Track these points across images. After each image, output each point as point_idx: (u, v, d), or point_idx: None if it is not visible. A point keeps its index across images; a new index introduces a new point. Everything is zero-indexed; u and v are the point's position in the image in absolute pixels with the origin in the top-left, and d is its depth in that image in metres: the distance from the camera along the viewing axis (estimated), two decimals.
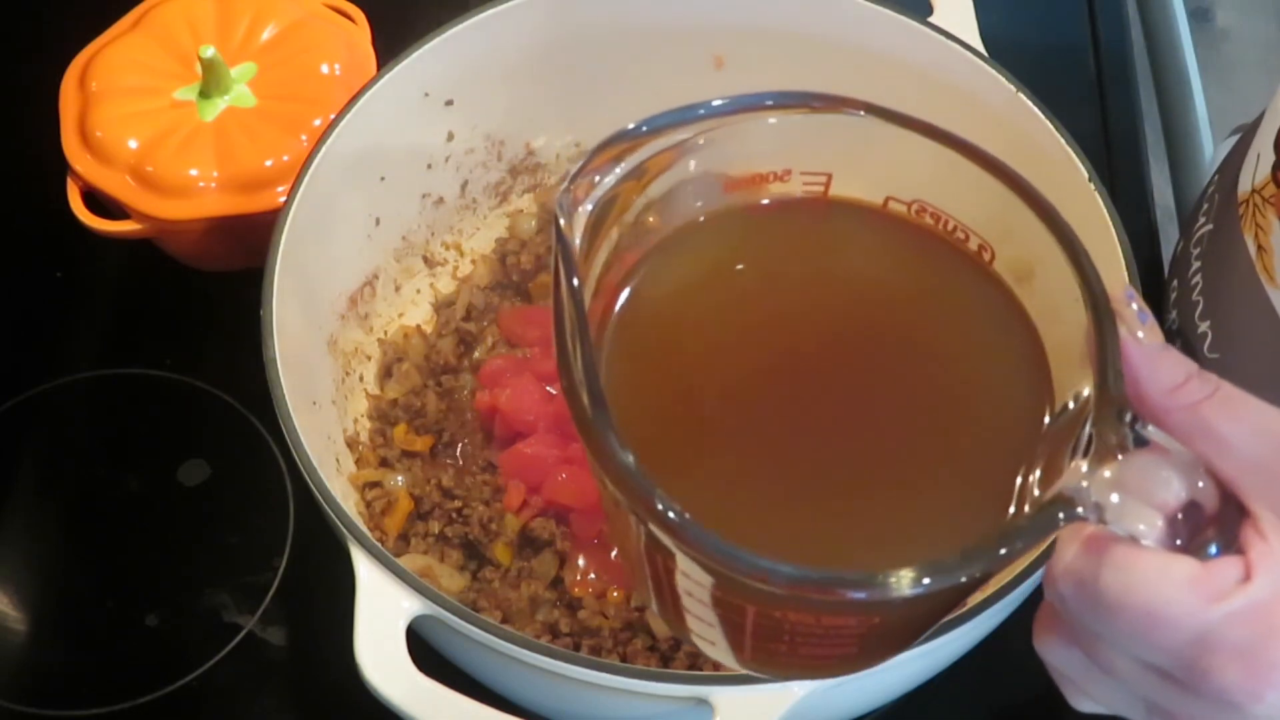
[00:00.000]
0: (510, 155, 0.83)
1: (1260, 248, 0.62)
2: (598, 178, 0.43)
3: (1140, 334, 0.40)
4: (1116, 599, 0.38)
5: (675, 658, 0.67)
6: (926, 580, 0.37)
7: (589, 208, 0.42)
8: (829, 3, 0.77)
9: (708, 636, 0.45)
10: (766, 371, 0.45)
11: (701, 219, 0.46)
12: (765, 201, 0.47)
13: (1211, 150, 0.95)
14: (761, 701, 0.56)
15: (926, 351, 0.45)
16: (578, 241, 0.42)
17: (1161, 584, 0.37)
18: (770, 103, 0.45)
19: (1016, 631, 0.64)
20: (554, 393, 0.73)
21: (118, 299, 0.87)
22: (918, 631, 0.46)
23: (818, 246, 0.47)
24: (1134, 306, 0.40)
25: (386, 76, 0.73)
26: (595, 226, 0.43)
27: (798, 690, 0.56)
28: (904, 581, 0.37)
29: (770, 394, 0.45)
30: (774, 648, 0.43)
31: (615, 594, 0.69)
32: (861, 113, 0.44)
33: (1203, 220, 0.70)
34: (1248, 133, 0.68)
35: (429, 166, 0.80)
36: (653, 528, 0.39)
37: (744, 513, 0.42)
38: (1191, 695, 0.39)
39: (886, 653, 0.46)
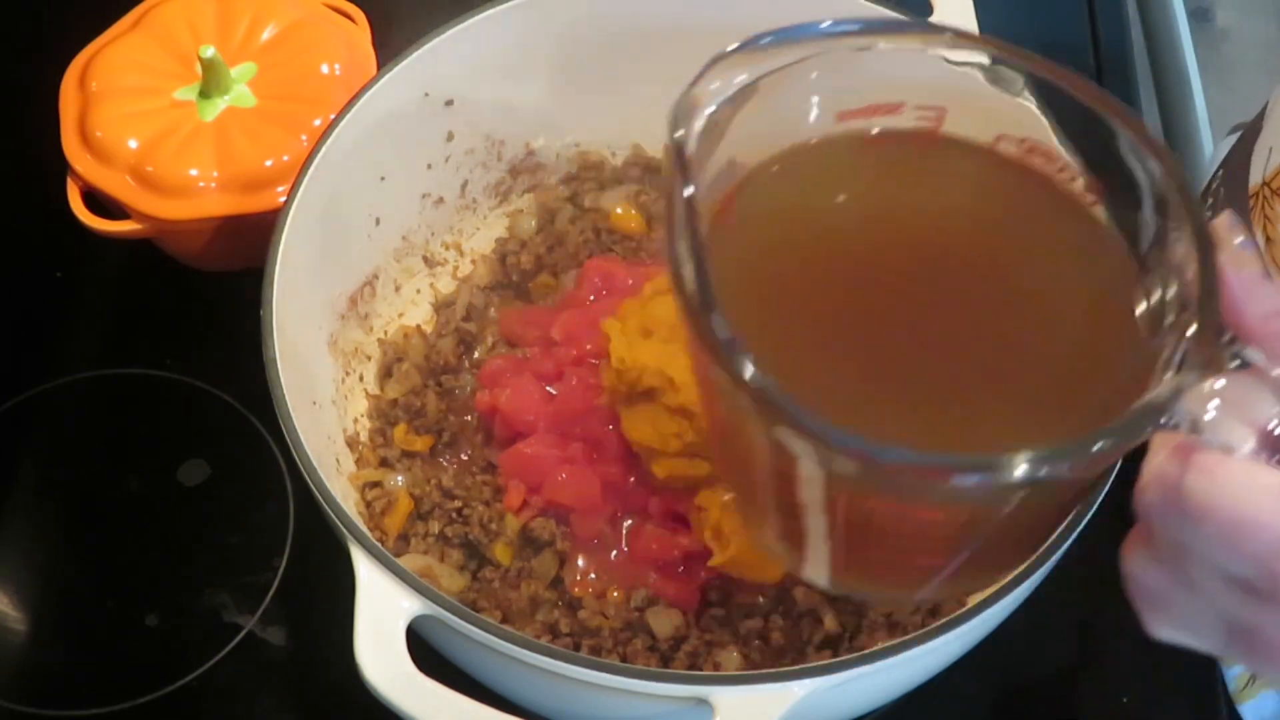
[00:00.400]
0: (510, 155, 0.83)
1: (1269, 239, 0.62)
2: (715, 85, 0.44)
3: (1240, 263, 0.41)
4: (1202, 503, 0.38)
5: (675, 658, 0.67)
6: (1023, 465, 0.38)
7: (710, 110, 0.44)
8: (829, 3, 0.76)
9: (801, 546, 0.46)
10: (869, 283, 0.46)
11: (812, 143, 0.47)
12: (876, 131, 0.48)
13: (1211, 150, 0.95)
14: (761, 701, 0.56)
15: (1025, 274, 0.46)
16: (692, 147, 0.43)
17: (1248, 490, 0.38)
18: (886, 28, 0.46)
19: (1016, 632, 0.64)
20: (554, 392, 0.73)
21: (118, 299, 0.87)
22: (1000, 548, 0.47)
23: (924, 175, 0.49)
24: (1236, 237, 0.41)
25: (386, 76, 0.73)
26: (704, 140, 0.44)
27: (798, 690, 0.56)
28: (1004, 464, 0.38)
29: (872, 305, 0.46)
30: (865, 554, 0.45)
31: (615, 594, 0.69)
32: (978, 48, 0.45)
33: (1207, 215, 0.70)
34: (1251, 128, 0.68)
35: (429, 166, 0.80)
36: (746, 400, 0.40)
37: (847, 406, 0.42)
38: (1275, 607, 0.39)
39: (972, 574, 0.47)
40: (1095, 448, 0.38)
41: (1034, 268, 0.47)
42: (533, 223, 0.83)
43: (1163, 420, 0.38)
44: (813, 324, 0.46)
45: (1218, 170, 0.72)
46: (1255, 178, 0.65)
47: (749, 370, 0.39)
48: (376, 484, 0.73)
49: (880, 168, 0.48)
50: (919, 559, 0.46)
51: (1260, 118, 0.67)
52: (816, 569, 0.48)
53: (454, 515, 0.72)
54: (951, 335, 0.45)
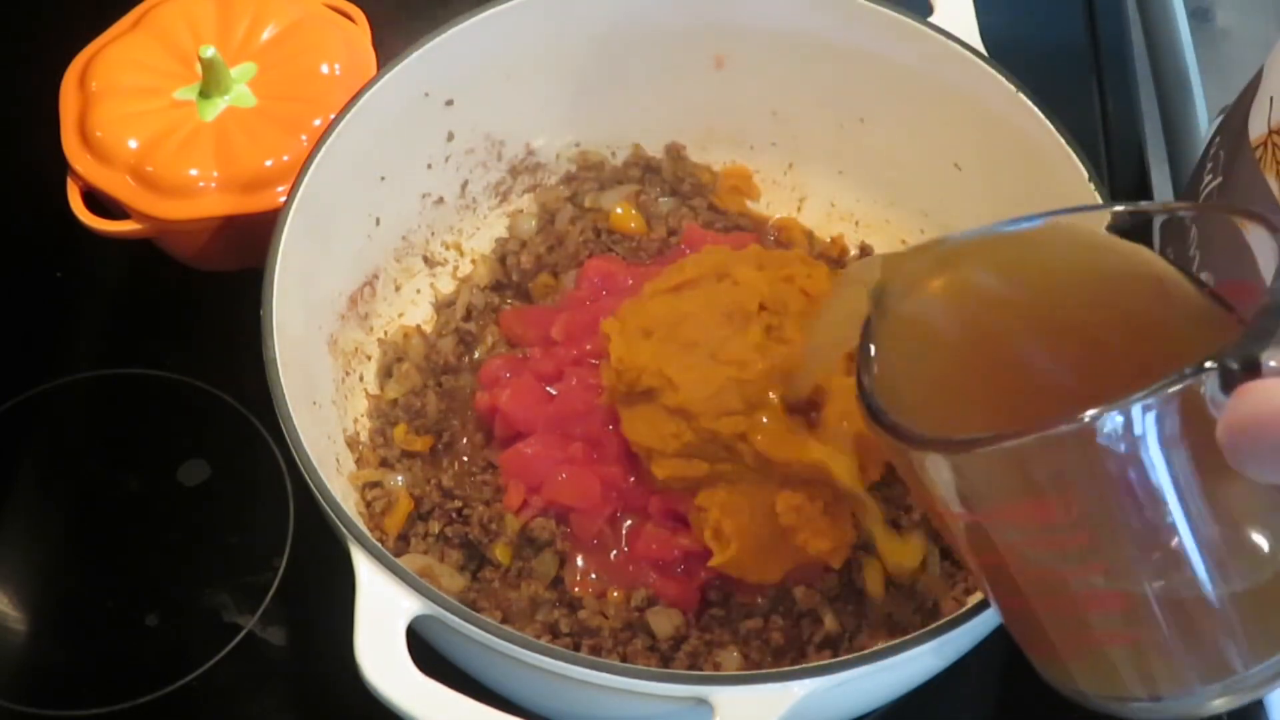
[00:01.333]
0: (510, 155, 0.83)
1: None
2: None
3: None
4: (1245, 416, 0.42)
5: (675, 658, 0.67)
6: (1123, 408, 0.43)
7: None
8: (829, 3, 0.77)
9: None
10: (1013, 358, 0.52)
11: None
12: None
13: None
14: (761, 701, 0.56)
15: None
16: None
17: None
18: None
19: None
20: (554, 392, 0.73)
21: (118, 299, 0.87)
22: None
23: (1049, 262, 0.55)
24: None
25: (386, 76, 0.73)
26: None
27: (798, 690, 0.56)
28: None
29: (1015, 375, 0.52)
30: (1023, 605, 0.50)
31: (615, 594, 0.69)
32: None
33: (1209, 179, 0.71)
34: (1248, 87, 0.69)
35: (429, 166, 0.80)
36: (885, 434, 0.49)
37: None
38: None
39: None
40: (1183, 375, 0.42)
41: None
42: (533, 223, 0.83)
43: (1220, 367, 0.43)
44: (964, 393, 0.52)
45: (1214, 137, 0.73)
46: (1260, 128, 0.65)
47: (878, 403, 0.49)
48: (376, 484, 0.72)
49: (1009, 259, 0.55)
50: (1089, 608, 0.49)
51: (1258, 77, 0.67)
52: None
53: (454, 515, 0.72)
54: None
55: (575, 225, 0.83)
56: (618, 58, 0.80)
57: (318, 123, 0.78)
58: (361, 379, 0.77)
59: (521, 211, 0.84)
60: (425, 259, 0.82)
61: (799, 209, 0.85)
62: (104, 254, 0.84)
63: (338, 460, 0.71)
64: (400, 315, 0.80)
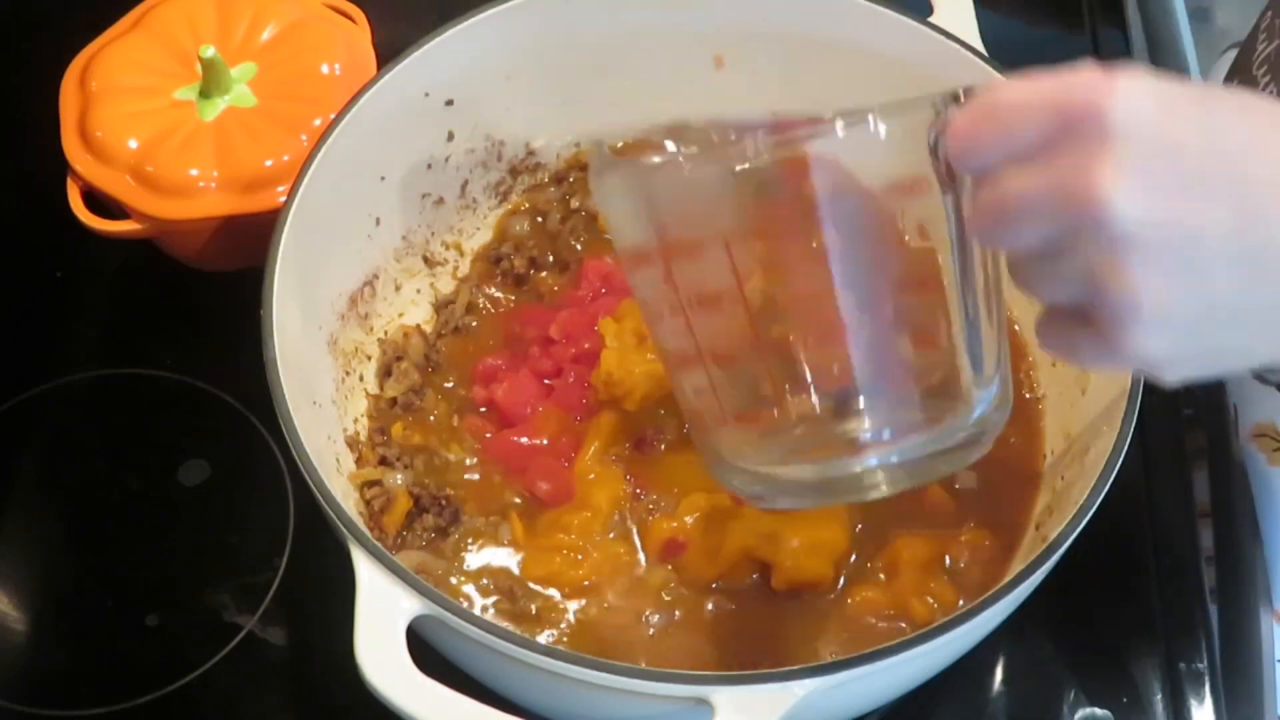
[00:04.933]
0: (510, 155, 0.83)
1: None
2: None
3: None
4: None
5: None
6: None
7: None
8: (829, 3, 0.77)
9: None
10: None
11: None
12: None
13: None
14: (761, 701, 0.56)
15: None
16: None
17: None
18: None
19: (1015, 633, 0.64)
20: (550, 384, 0.73)
21: (118, 299, 0.87)
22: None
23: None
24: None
25: (386, 76, 0.73)
26: None
27: (798, 690, 0.56)
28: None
29: None
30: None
31: None
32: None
33: (1263, 46, 0.73)
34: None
35: (429, 166, 0.80)
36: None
37: None
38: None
39: None
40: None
41: None
42: (531, 223, 0.83)
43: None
44: None
45: (1265, 11, 0.73)
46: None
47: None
48: (376, 483, 0.72)
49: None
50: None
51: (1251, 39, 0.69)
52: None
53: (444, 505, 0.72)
54: None
55: (573, 225, 0.83)
56: (617, 58, 0.80)
57: (318, 123, 0.78)
58: (361, 379, 0.77)
59: (521, 211, 0.84)
60: (425, 259, 0.82)
61: None
62: (104, 254, 0.84)
63: (338, 460, 0.71)
64: (400, 315, 0.80)
